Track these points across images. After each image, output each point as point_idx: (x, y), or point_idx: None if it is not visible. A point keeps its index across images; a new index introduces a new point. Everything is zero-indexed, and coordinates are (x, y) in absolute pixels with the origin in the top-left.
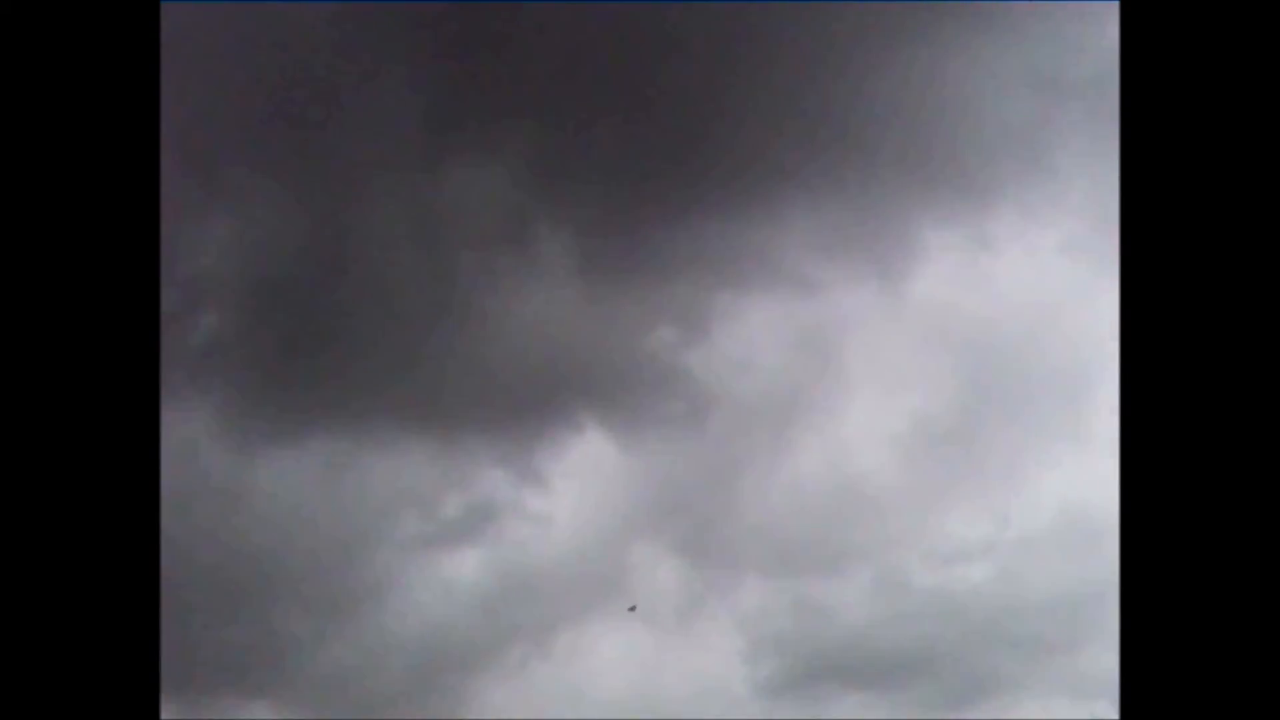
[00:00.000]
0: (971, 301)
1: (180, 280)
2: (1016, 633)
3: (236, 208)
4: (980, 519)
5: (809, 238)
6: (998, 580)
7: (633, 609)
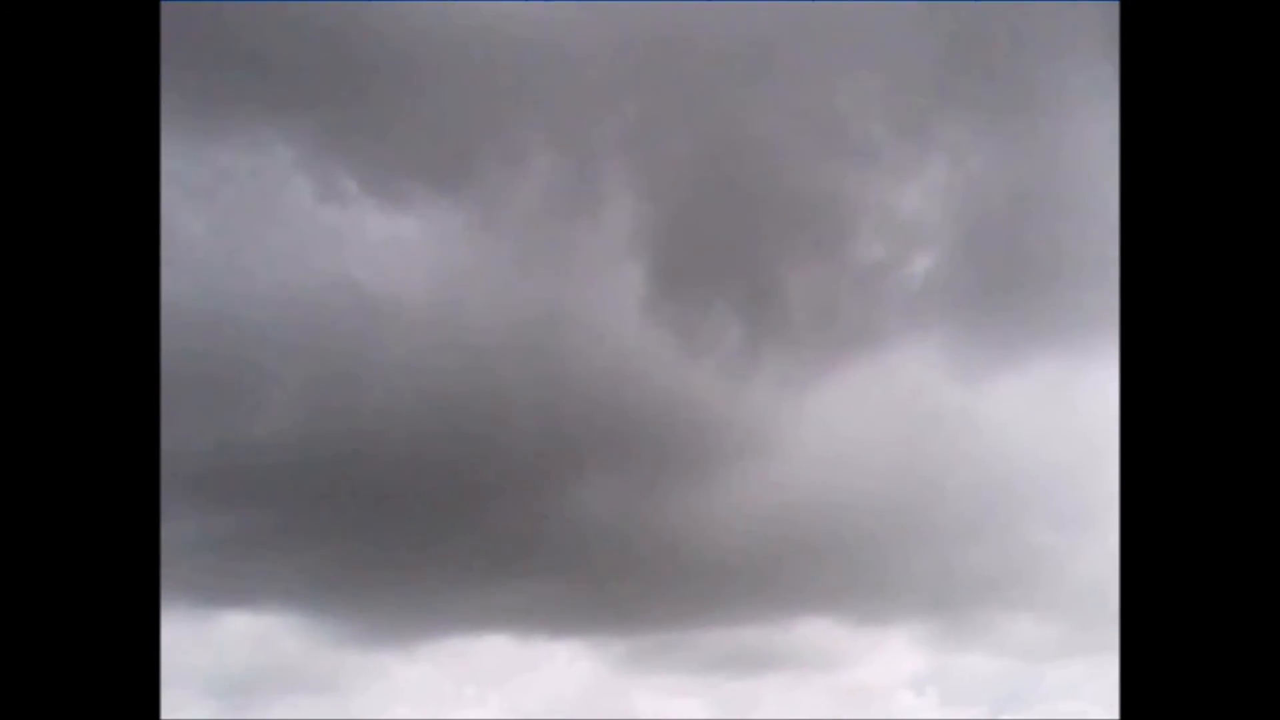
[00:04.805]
0: None
1: (891, 230)
2: None
3: (949, 156)
4: None
5: None
6: None
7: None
